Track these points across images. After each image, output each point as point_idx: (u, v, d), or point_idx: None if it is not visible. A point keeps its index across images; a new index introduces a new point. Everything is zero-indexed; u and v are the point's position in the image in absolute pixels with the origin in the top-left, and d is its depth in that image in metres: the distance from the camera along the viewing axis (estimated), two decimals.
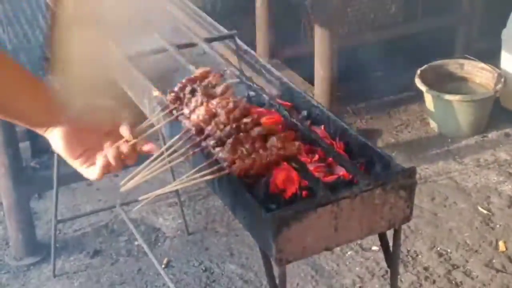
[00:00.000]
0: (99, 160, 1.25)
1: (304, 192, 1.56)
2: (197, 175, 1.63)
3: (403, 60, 4.28)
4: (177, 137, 1.76)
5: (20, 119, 1.14)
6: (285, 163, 1.58)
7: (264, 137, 1.64)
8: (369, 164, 1.63)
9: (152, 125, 1.94)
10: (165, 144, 1.85)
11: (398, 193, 1.52)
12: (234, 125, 1.68)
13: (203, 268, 3.19)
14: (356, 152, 1.68)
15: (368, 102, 4.39)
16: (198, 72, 1.88)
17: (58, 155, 1.24)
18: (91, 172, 1.25)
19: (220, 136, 1.68)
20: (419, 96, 4.15)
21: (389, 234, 1.66)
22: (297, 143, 1.59)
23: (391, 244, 1.66)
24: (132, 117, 1.31)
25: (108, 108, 1.23)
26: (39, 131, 1.16)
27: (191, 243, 3.35)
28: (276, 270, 1.52)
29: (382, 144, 3.88)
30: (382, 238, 1.65)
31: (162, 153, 1.79)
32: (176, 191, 3.20)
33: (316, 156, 1.66)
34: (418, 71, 4.10)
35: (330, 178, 1.57)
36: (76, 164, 1.21)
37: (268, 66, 2.06)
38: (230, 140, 1.63)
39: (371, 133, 3.97)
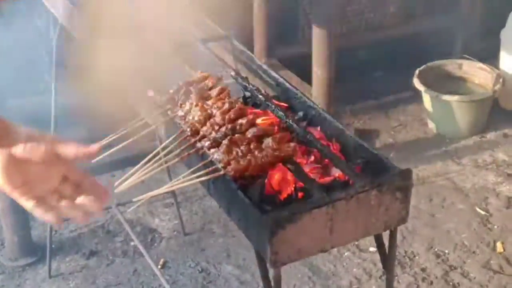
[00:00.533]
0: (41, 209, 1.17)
1: (299, 194, 1.54)
2: (193, 176, 1.62)
3: (402, 60, 4.27)
4: (171, 137, 1.75)
5: None
6: (280, 164, 1.57)
7: (260, 138, 1.63)
8: (365, 166, 1.62)
9: (147, 125, 1.93)
10: (161, 144, 1.84)
11: (394, 195, 1.51)
12: (229, 126, 1.67)
13: (200, 269, 3.17)
14: (352, 153, 1.67)
15: (366, 102, 4.37)
16: (196, 76, 1.87)
17: None
18: (28, 205, 1.16)
19: (215, 137, 1.67)
20: (418, 96, 4.14)
21: (385, 235, 1.65)
22: (292, 144, 1.58)
23: (387, 245, 1.65)
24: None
25: (50, 139, 1.15)
26: None
27: (187, 244, 3.34)
28: (271, 272, 1.51)
29: (379, 145, 3.86)
30: (378, 239, 1.63)
31: (157, 154, 1.78)
32: (173, 191, 3.18)
33: (312, 157, 1.65)
34: (417, 71, 4.09)
35: (325, 180, 1.56)
36: (15, 195, 1.14)
37: (264, 66, 2.04)
38: (225, 141, 1.62)
39: (368, 133, 3.96)
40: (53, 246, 3.21)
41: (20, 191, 1.12)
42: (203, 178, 1.57)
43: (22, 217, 3.20)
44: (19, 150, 1.10)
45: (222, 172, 1.55)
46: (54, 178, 1.15)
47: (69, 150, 1.13)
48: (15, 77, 3.71)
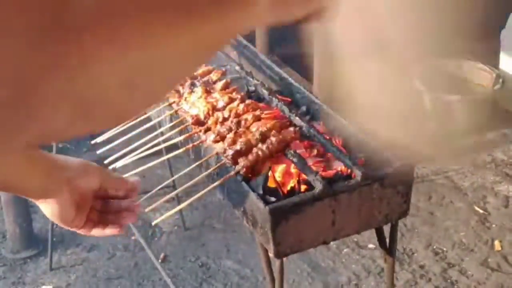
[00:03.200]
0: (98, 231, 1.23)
1: (303, 186, 1.56)
2: (203, 174, 1.63)
3: None
4: (173, 128, 1.77)
5: (17, 193, 1.12)
6: (284, 157, 1.59)
7: (264, 133, 1.65)
8: (367, 160, 1.64)
9: (149, 119, 1.96)
10: (162, 135, 1.86)
11: (396, 188, 1.53)
12: (234, 120, 1.69)
13: (200, 264, 3.19)
14: (354, 147, 1.69)
15: None
16: (201, 69, 1.89)
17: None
18: (87, 232, 1.23)
19: (219, 131, 1.69)
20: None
21: (386, 230, 1.67)
22: (292, 128, 1.60)
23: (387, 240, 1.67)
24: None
25: (98, 169, 1.20)
26: (33, 200, 1.14)
27: (187, 238, 3.36)
28: (274, 263, 1.53)
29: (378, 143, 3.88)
30: (379, 232, 1.66)
31: (158, 144, 1.80)
32: (173, 186, 3.20)
33: (315, 151, 1.67)
34: (417, 71, 4.10)
35: (328, 173, 1.58)
36: (73, 228, 1.19)
37: (268, 61, 2.07)
38: (230, 135, 1.64)
39: (368, 131, 3.98)
40: (54, 239, 3.23)
41: (76, 222, 1.16)
42: (217, 183, 1.58)
43: (23, 210, 3.22)
44: (77, 185, 1.14)
45: (233, 173, 1.56)
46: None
47: (115, 185, 1.19)
48: None
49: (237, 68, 2.02)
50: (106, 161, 1.90)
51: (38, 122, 0.41)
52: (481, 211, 3.48)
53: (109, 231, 1.21)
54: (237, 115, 1.72)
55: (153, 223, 1.72)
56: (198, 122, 1.73)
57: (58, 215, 1.13)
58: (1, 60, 0.37)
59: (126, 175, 1.83)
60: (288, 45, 4.30)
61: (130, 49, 0.42)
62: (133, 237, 3.33)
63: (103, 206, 1.21)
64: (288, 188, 1.57)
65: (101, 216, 1.21)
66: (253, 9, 0.47)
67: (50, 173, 1.10)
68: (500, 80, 4.05)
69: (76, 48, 0.39)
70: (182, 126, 1.74)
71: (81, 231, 1.19)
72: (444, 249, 3.24)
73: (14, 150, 0.45)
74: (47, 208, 1.12)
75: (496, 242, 3.26)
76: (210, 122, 1.73)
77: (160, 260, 3.18)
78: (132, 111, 0.48)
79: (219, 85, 1.86)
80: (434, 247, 3.26)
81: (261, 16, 0.49)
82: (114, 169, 1.77)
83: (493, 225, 3.38)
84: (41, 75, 0.39)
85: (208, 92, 1.83)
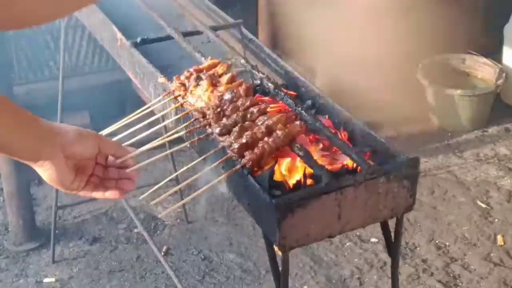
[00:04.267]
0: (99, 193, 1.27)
1: (308, 180, 1.56)
2: (209, 167, 1.62)
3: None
4: (180, 125, 1.77)
5: (12, 155, 1.15)
6: (290, 151, 1.59)
7: (270, 126, 1.65)
8: (373, 154, 1.64)
9: (154, 112, 1.95)
10: (166, 130, 1.86)
11: (402, 183, 1.53)
12: (240, 114, 1.68)
13: (202, 257, 3.20)
14: (360, 141, 1.69)
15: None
16: (206, 63, 1.89)
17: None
18: (87, 193, 1.27)
19: (225, 124, 1.68)
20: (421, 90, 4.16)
21: (391, 224, 1.67)
22: (298, 122, 1.60)
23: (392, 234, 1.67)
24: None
25: (93, 135, 1.25)
26: (30, 164, 1.16)
27: (190, 231, 3.36)
28: (279, 257, 1.53)
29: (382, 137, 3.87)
30: (384, 227, 1.65)
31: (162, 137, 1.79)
32: (176, 179, 3.20)
33: (321, 145, 1.67)
34: (420, 65, 4.11)
35: (334, 167, 1.58)
36: (73, 191, 1.23)
37: (274, 55, 2.06)
38: (236, 128, 1.64)
39: (371, 126, 3.97)
40: (57, 231, 3.24)
41: (74, 185, 1.20)
42: (223, 175, 1.58)
43: (26, 203, 3.22)
44: (72, 149, 1.18)
45: (239, 166, 1.56)
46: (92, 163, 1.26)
47: (112, 149, 1.27)
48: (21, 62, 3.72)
49: (242, 61, 2.01)
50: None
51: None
52: (483, 205, 3.48)
53: (110, 193, 1.27)
54: (242, 109, 1.71)
55: (159, 216, 1.71)
56: (204, 116, 1.72)
57: (56, 179, 1.16)
58: None
59: (130, 169, 1.83)
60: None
61: None
62: (135, 230, 3.33)
63: (104, 173, 1.27)
64: (294, 181, 1.57)
65: (102, 181, 1.26)
66: None
67: (43, 136, 1.13)
68: (504, 75, 4.04)
69: None
70: (188, 122, 1.73)
71: (81, 193, 1.24)
72: (447, 243, 3.25)
73: None
74: (45, 172, 1.15)
75: (499, 237, 3.26)
76: (215, 115, 1.72)
77: (162, 253, 3.18)
78: None
79: (225, 78, 1.85)
80: (437, 241, 3.26)
81: None
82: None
83: (496, 220, 3.39)
84: None
85: (214, 85, 1.82)
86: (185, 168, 1.86)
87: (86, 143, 1.21)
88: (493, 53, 4.23)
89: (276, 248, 1.53)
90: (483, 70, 4.21)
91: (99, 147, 1.24)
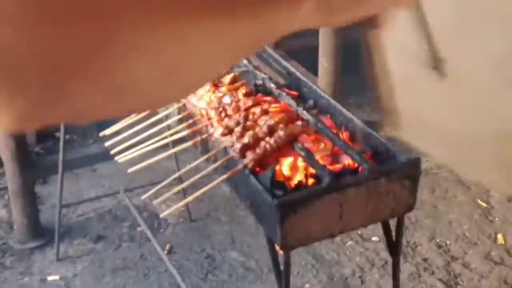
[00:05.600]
0: None
1: (310, 180, 1.59)
2: (210, 168, 1.65)
3: None
4: (182, 124, 1.79)
5: None
6: (292, 151, 1.61)
7: (271, 126, 1.67)
8: (374, 154, 1.66)
9: (157, 112, 1.97)
10: (169, 130, 1.88)
11: (403, 183, 1.55)
12: (242, 114, 1.71)
13: (205, 255, 3.22)
14: (361, 141, 1.71)
15: (370, 94, 4.41)
16: None
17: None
18: None
19: (227, 124, 1.71)
20: None
21: (391, 223, 1.69)
22: (299, 122, 1.62)
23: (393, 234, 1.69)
24: None
25: None
26: None
27: (193, 230, 3.38)
28: (281, 256, 1.56)
29: (383, 137, 3.89)
30: (385, 226, 1.68)
31: (165, 138, 1.82)
32: (179, 178, 3.23)
33: (323, 145, 1.69)
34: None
35: (336, 167, 1.60)
36: None
37: (276, 55, 2.08)
38: (238, 128, 1.66)
39: (372, 125, 3.99)
40: (61, 229, 3.26)
41: None
42: (224, 176, 1.60)
43: (31, 201, 3.25)
44: None
45: (241, 166, 1.58)
46: None
47: None
48: None
49: (245, 61, 2.03)
50: (112, 152, 1.93)
51: (69, 100, 0.41)
52: (484, 204, 3.50)
53: None
54: (244, 109, 1.74)
55: (161, 215, 1.73)
56: (206, 116, 1.75)
57: None
58: (38, 36, 0.38)
59: (135, 167, 1.86)
60: (293, 39, 4.32)
61: (170, 40, 0.42)
62: (139, 228, 3.36)
63: None
64: (296, 181, 1.59)
65: None
66: (296, 13, 0.47)
67: None
68: None
69: (114, 30, 0.39)
70: (190, 121, 1.76)
71: None
72: (448, 242, 3.27)
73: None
74: None
75: (499, 236, 3.28)
76: (217, 116, 1.74)
77: (166, 251, 3.20)
78: (165, 101, 0.49)
79: (227, 78, 1.88)
80: (438, 240, 3.28)
81: (306, 20, 0.49)
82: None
83: (496, 219, 3.40)
84: (80, 54, 0.40)
85: (216, 86, 1.85)
86: (188, 167, 1.89)
87: None
88: None
89: (277, 248, 1.55)
90: None
91: None
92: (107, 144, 2.05)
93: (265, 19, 0.45)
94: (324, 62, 3.77)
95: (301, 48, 4.22)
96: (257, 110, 1.73)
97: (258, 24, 0.45)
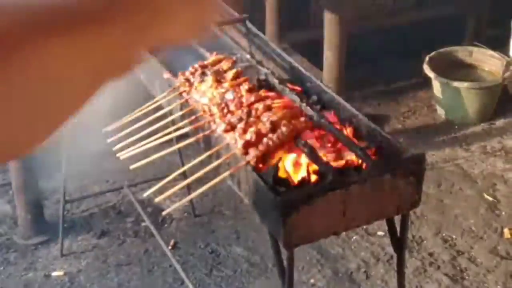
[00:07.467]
0: None
1: (313, 177, 1.57)
2: (213, 165, 1.63)
3: (412, 47, 4.27)
4: (185, 120, 1.77)
5: None
6: (295, 147, 1.60)
7: (274, 122, 1.66)
8: (379, 150, 1.64)
9: (161, 107, 1.96)
10: (174, 125, 1.87)
11: (407, 179, 1.53)
12: (245, 110, 1.69)
13: (210, 250, 3.21)
14: (366, 137, 1.69)
15: (375, 88, 4.39)
16: (211, 58, 1.89)
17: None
18: None
19: (230, 121, 1.69)
20: (427, 82, 4.15)
21: (396, 219, 1.67)
22: (303, 118, 1.60)
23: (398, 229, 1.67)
24: None
25: None
26: None
27: (197, 225, 3.37)
28: (284, 254, 1.54)
29: (389, 130, 3.87)
30: (390, 223, 1.66)
31: (169, 133, 1.80)
32: (184, 173, 3.21)
33: (326, 141, 1.67)
34: (427, 58, 4.09)
35: (339, 163, 1.58)
36: None
37: (279, 50, 2.06)
38: (241, 125, 1.64)
39: (378, 119, 3.97)
40: (65, 225, 3.25)
41: None
42: (227, 173, 1.58)
43: (35, 197, 3.24)
44: None
45: (244, 163, 1.56)
46: None
47: None
48: None
49: (248, 56, 2.01)
50: (114, 149, 1.91)
51: None
52: (490, 198, 3.47)
53: None
54: (247, 104, 1.72)
55: (164, 213, 1.72)
56: (209, 112, 1.73)
57: None
58: None
59: (137, 164, 1.85)
60: (298, 32, 4.30)
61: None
62: (143, 224, 3.35)
63: None
64: (299, 178, 1.57)
65: None
66: (107, 38, 0.49)
67: None
68: (511, 67, 4.03)
69: None
70: (193, 117, 1.74)
71: None
72: (453, 236, 3.25)
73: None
74: None
75: (506, 230, 3.26)
76: (220, 111, 1.73)
77: (170, 247, 3.19)
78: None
79: (230, 74, 1.86)
80: (443, 234, 3.26)
81: (124, 45, 0.51)
82: None
83: (503, 213, 3.38)
84: None
85: (218, 81, 1.83)
86: (192, 163, 1.88)
87: None
88: (500, 45, 4.22)
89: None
90: (490, 63, 4.20)
91: None
92: (109, 140, 2.04)
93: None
94: (329, 55, 3.75)
95: (306, 42, 4.20)
96: (260, 106, 1.71)
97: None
